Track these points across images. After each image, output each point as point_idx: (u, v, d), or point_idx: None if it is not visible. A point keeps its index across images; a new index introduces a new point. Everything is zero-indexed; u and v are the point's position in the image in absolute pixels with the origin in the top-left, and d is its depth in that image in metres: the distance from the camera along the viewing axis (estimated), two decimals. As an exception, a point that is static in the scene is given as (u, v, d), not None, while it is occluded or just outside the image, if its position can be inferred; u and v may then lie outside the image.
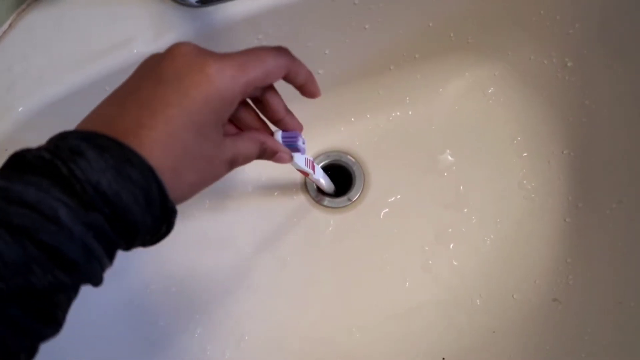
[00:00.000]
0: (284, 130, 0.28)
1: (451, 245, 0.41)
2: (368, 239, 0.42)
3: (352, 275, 0.41)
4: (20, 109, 0.32)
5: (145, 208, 0.19)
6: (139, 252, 0.40)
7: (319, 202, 0.44)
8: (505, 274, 0.39)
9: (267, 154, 0.26)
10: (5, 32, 0.33)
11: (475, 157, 0.44)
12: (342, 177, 0.45)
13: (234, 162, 0.24)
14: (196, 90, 0.20)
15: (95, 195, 0.17)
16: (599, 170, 0.38)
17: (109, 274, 0.42)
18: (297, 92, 0.43)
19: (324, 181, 0.39)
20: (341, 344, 0.39)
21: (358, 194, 0.44)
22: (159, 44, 0.33)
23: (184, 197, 0.21)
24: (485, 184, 0.43)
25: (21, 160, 0.18)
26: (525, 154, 0.42)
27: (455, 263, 0.40)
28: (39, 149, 0.18)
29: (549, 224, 0.39)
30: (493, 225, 0.41)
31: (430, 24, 0.39)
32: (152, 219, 0.19)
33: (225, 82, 0.20)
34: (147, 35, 0.32)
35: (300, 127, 0.28)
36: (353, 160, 0.45)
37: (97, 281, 0.19)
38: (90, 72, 0.32)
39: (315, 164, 0.37)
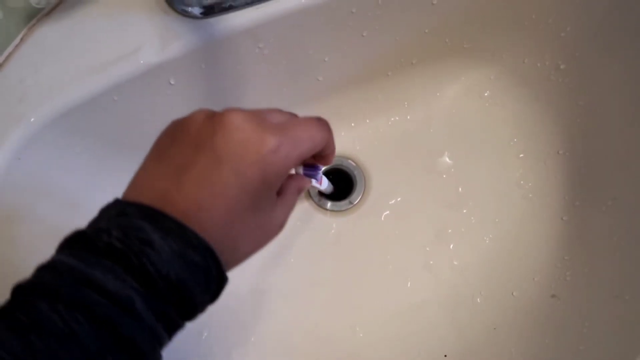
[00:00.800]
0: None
1: (451, 245, 0.42)
2: (370, 240, 0.43)
3: (355, 276, 0.42)
4: (32, 119, 0.33)
5: (204, 288, 0.19)
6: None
7: (321, 206, 0.45)
8: (505, 272, 0.40)
9: (303, 191, 0.28)
10: (17, 46, 0.35)
11: (473, 158, 0.45)
12: (343, 181, 0.46)
13: (286, 217, 0.24)
14: (254, 171, 0.20)
15: (165, 285, 0.18)
16: (593, 169, 0.39)
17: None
18: (301, 95, 0.44)
19: (327, 187, 0.40)
20: (345, 342, 0.39)
21: (359, 197, 0.45)
22: (165, 55, 0.34)
23: (239, 262, 0.22)
24: (483, 185, 0.44)
25: (91, 243, 0.18)
26: (522, 155, 0.43)
27: (455, 262, 0.41)
28: (107, 233, 0.18)
29: (547, 222, 0.40)
30: (492, 224, 0.42)
31: (426, 30, 0.41)
32: (210, 296, 0.20)
33: (281, 161, 0.21)
34: (153, 45, 0.34)
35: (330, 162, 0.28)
36: (354, 164, 0.46)
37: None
38: (98, 82, 0.33)
39: (323, 177, 0.38)
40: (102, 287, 0.17)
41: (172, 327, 0.19)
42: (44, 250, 0.20)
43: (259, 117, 0.21)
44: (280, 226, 0.24)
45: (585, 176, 0.40)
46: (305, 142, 0.22)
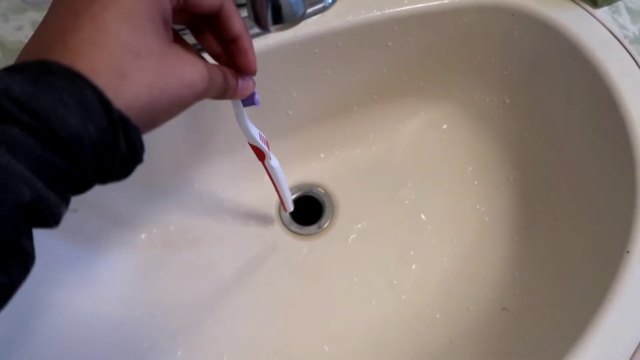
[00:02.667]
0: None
1: (413, 266, 0.45)
2: (337, 262, 0.46)
3: (323, 296, 0.44)
4: None
5: (80, 114, 0.15)
6: (125, 280, 0.43)
7: (292, 230, 0.47)
8: (461, 289, 0.43)
9: (231, 84, 0.23)
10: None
11: (433, 186, 0.48)
12: (313, 207, 0.49)
13: (208, 72, 0.20)
14: None
15: (5, 101, 0.14)
16: (537, 192, 0.43)
17: (100, 301, 0.45)
18: (272, 129, 0.48)
19: (282, 177, 0.39)
20: (314, 359, 0.41)
21: (328, 222, 0.48)
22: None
23: (148, 104, 0.18)
24: (442, 210, 0.47)
25: None
26: (476, 182, 0.47)
27: (417, 281, 0.44)
28: None
29: (499, 242, 0.44)
30: (450, 246, 0.45)
31: (384, 69, 0.45)
32: (97, 129, 0.16)
33: None
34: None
35: (253, 67, 0.25)
36: (323, 192, 0.49)
37: (36, 216, 0.15)
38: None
39: (268, 143, 0.35)
40: None
41: (29, 155, 0.15)
42: None
43: None
44: (192, 66, 0.19)
45: (532, 200, 0.43)
46: None
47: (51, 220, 0.16)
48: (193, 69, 0.20)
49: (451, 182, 0.48)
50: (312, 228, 0.48)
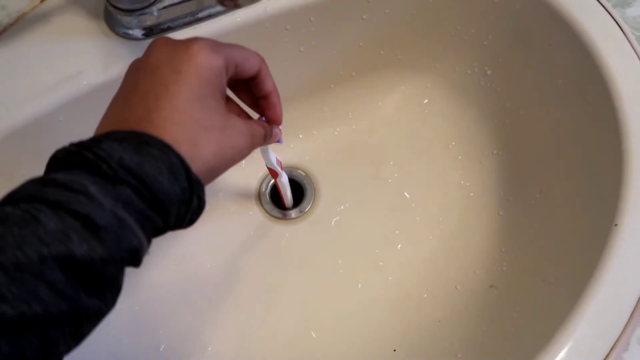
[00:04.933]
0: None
1: (399, 246, 0.44)
2: (321, 246, 0.44)
3: (309, 281, 0.43)
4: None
5: (170, 178, 0.20)
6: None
7: (273, 215, 0.46)
8: (448, 268, 0.42)
9: (267, 135, 0.28)
10: (-41, 72, 0.35)
11: (415, 163, 0.47)
12: (294, 191, 0.47)
13: (252, 137, 0.25)
14: (187, 66, 0.22)
15: (120, 169, 0.19)
16: (522, 165, 0.42)
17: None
18: (246, 110, 0.46)
19: (288, 188, 0.43)
20: (301, 346, 0.40)
21: (309, 205, 0.46)
22: (108, 75, 0.35)
23: (211, 168, 0.23)
24: (426, 187, 0.46)
25: (52, 160, 0.20)
26: (460, 157, 0.46)
27: (403, 262, 0.43)
28: (65, 149, 0.20)
29: (485, 218, 0.43)
30: (436, 224, 0.44)
31: (361, 44, 0.43)
32: (181, 189, 0.20)
33: (208, 55, 0.23)
34: (96, 67, 0.35)
35: (280, 118, 0.30)
36: (303, 174, 0.48)
37: (134, 258, 0.20)
38: (43, 103, 0.34)
39: (282, 164, 0.40)
40: (57, 180, 0.18)
41: (137, 211, 0.19)
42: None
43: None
44: (243, 135, 0.24)
45: (517, 173, 0.42)
46: (232, 48, 0.24)
47: (141, 261, 0.20)
48: (243, 139, 0.24)
49: (434, 158, 0.47)
50: (294, 212, 0.46)
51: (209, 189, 0.47)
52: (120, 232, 0.19)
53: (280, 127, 0.31)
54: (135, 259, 0.20)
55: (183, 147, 0.21)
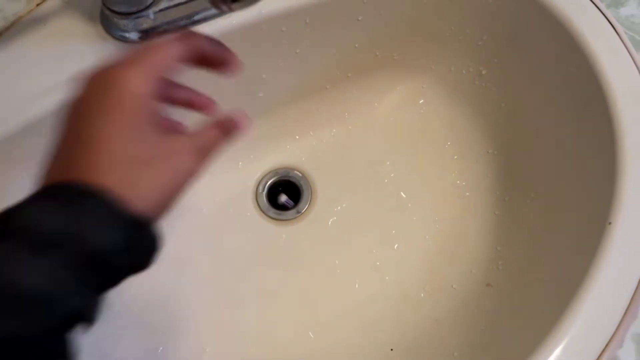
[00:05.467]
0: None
1: (396, 246, 0.44)
2: (318, 246, 0.45)
3: (306, 281, 0.43)
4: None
5: (106, 229, 0.19)
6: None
7: (270, 216, 0.46)
8: (445, 267, 0.42)
9: (224, 133, 0.25)
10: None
11: (412, 163, 0.47)
12: (290, 192, 0.47)
13: (200, 150, 0.23)
14: (113, 101, 0.21)
15: (49, 233, 0.18)
16: (517, 165, 0.42)
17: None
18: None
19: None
20: (299, 346, 0.41)
21: (306, 206, 0.46)
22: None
23: (160, 202, 0.21)
24: (422, 187, 0.46)
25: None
26: (456, 157, 0.46)
27: (400, 261, 0.43)
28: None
29: (481, 217, 0.43)
30: (432, 223, 0.44)
31: (356, 45, 0.43)
32: (123, 238, 0.19)
33: (133, 83, 0.21)
34: (92, 70, 0.35)
35: (237, 60, 0.27)
36: (300, 175, 0.48)
37: (82, 319, 0.19)
38: (38, 108, 0.34)
39: None
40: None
41: (74, 272, 0.18)
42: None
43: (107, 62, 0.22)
44: (190, 154, 0.23)
45: (512, 172, 0.43)
46: (151, 55, 0.22)
47: (94, 319, 0.20)
48: (188, 157, 0.23)
49: (430, 158, 0.47)
50: (291, 213, 0.46)
51: (205, 193, 0.47)
52: (54, 297, 0.17)
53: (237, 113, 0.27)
54: (85, 319, 0.19)
55: (120, 191, 0.19)
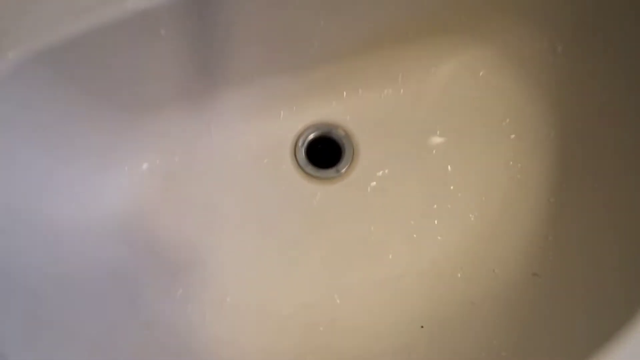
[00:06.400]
0: None
1: (436, 221, 0.42)
2: (354, 210, 0.42)
3: (336, 245, 0.41)
4: (10, 56, 0.32)
5: None
6: (124, 212, 0.40)
7: (307, 172, 0.44)
8: (487, 250, 0.40)
9: None
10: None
11: (464, 137, 0.44)
12: (331, 150, 0.45)
13: None
14: None
15: None
16: (580, 153, 0.39)
17: (94, 231, 0.42)
18: (294, 60, 0.43)
19: None
20: (322, 309, 0.39)
21: (346, 167, 0.44)
22: (153, 3, 0.33)
23: None
24: (472, 164, 0.43)
25: None
26: (513, 136, 0.43)
27: (439, 237, 0.41)
28: None
29: (533, 203, 0.40)
30: (478, 203, 0.42)
31: (424, 3, 0.40)
32: None
33: None
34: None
35: None
36: (343, 133, 0.45)
37: None
38: (84, 23, 0.32)
39: None
40: None
41: None
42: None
43: None
44: None
45: (573, 160, 0.40)
46: None
47: None
48: None
49: (485, 134, 0.44)
50: (330, 172, 0.44)
51: (240, 138, 0.45)
52: None
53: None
54: None
55: None
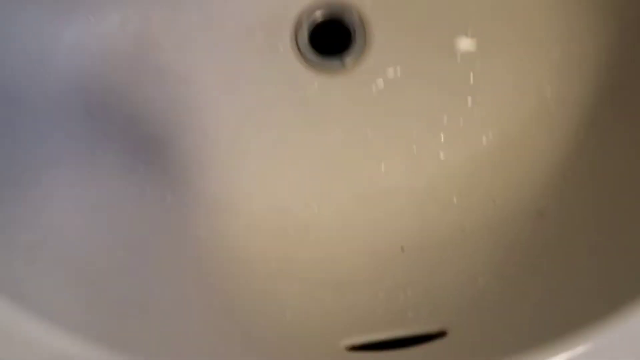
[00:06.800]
0: None
1: (442, 136, 0.36)
2: (352, 110, 0.37)
3: (324, 146, 0.36)
4: None
5: None
6: (82, 86, 0.35)
7: (307, 58, 0.38)
8: (493, 178, 0.35)
9: None
10: None
11: (497, 44, 0.37)
12: (339, 36, 0.38)
13: None
14: None
15: None
16: (632, 84, 0.33)
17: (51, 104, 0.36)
18: None
19: None
20: (297, 215, 0.35)
21: (354, 58, 0.37)
22: None
23: None
24: (500, 78, 0.37)
25: None
26: (555, 55, 0.36)
27: (441, 155, 0.36)
28: None
29: (558, 135, 0.35)
30: (495, 124, 0.36)
31: None
32: None
33: None
34: None
35: None
36: (357, 18, 0.38)
37: None
38: None
39: None
40: None
41: None
42: None
43: None
44: None
45: (620, 90, 0.33)
46: None
47: None
48: None
49: (522, 46, 0.37)
50: (333, 62, 0.37)
51: (235, 5, 0.38)
52: None
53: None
54: None
55: None
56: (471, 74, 0.37)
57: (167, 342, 0.26)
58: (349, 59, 0.37)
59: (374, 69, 0.37)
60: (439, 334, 0.28)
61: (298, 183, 0.36)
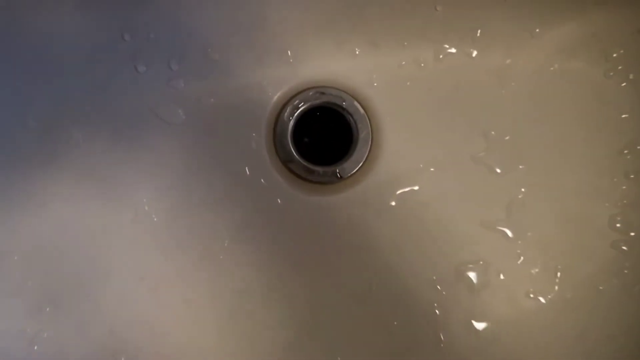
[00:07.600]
0: None
1: (491, 290, 0.26)
2: (350, 238, 0.26)
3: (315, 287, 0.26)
4: None
5: None
6: None
7: (289, 169, 0.26)
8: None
9: None
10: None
11: (552, 158, 0.27)
12: (336, 133, 0.27)
13: None
14: None
15: None
16: None
17: None
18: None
19: None
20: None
21: (358, 167, 0.27)
22: None
23: None
24: (554, 200, 0.27)
25: None
26: (632, 176, 0.26)
27: (473, 320, 0.26)
28: None
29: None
30: (552, 278, 0.26)
31: None
32: None
33: None
34: None
35: None
36: (360, 108, 0.27)
37: None
38: None
39: None
40: None
41: None
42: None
43: None
44: None
45: None
46: None
47: None
48: None
49: (585, 164, 0.27)
50: (327, 173, 0.27)
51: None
52: None
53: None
54: None
55: None
56: (521, 189, 0.27)
57: None
58: (349, 168, 0.27)
59: (382, 184, 0.26)
60: None
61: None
